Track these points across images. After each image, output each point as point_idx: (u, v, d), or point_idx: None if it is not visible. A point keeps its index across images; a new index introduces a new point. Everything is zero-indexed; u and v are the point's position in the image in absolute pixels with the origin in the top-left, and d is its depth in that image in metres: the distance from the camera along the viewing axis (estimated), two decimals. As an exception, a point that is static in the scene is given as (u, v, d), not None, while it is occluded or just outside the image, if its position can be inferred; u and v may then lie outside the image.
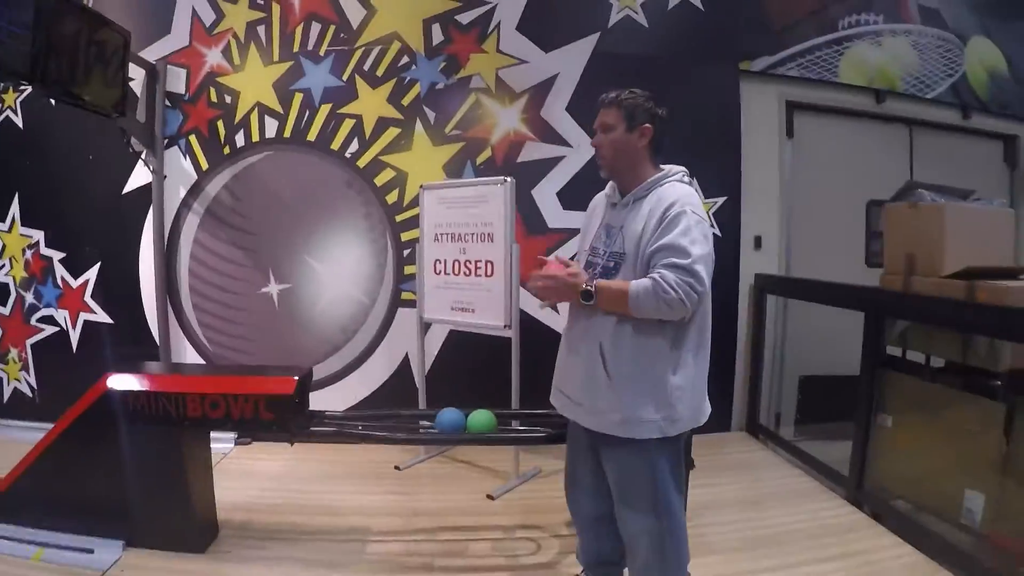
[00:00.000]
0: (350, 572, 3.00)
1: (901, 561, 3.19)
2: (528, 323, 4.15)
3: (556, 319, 4.59)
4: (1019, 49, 6.06)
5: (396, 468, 4.21)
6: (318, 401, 3.54)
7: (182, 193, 4.68)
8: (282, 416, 2.94)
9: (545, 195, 4.64)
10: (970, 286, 3.46)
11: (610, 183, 2.44)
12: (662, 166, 2.35)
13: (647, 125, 2.29)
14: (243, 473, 4.09)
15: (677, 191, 2.23)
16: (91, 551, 3.02)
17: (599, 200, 2.52)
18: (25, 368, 4.90)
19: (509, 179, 3.89)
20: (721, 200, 4.95)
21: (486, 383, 4.07)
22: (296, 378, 2.99)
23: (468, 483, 4.04)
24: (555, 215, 4.66)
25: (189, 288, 4.71)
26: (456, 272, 4.13)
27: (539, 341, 4.01)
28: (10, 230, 4.85)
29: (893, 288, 3.93)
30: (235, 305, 4.69)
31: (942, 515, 3.42)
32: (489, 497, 3.82)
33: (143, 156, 4.54)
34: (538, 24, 4.67)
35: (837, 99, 5.29)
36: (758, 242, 5.06)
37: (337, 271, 4.68)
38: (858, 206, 5.42)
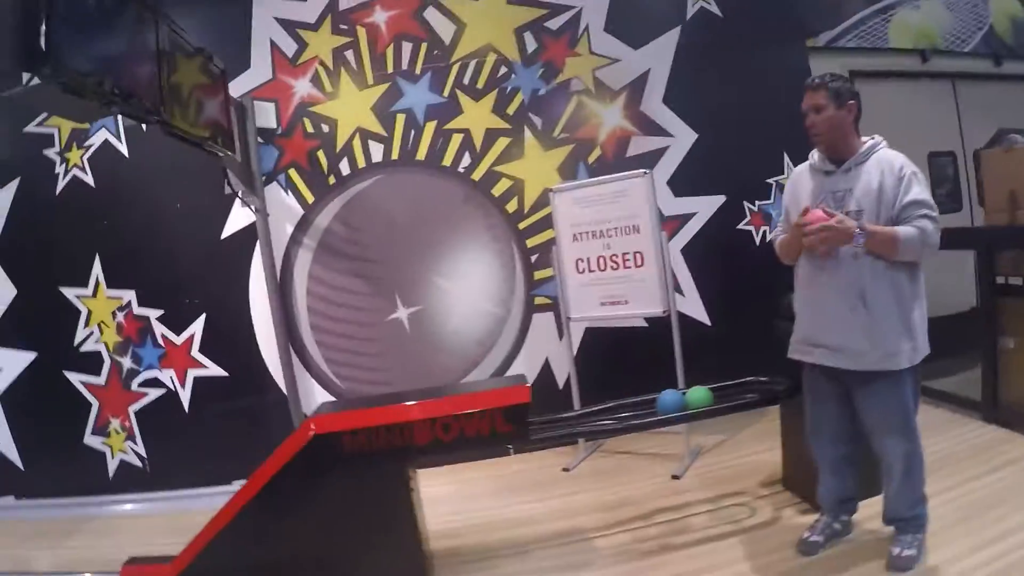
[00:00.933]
0: (595, 571, 3.38)
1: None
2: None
3: (685, 305, 5.33)
4: (1033, -4, 7.18)
5: (565, 470, 4.71)
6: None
7: (289, 230, 5.07)
8: (519, 427, 3.15)
9: (657, 185, 5.06)
10: None
11: (815, 155, 3.09)
12: (863, 137, 3.01)
13: (852, 101, 2.94)
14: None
15: (897, 156, 2.90)
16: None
17: (802, 172, 3.17)
18: (131, 438, 5.17)
19: (648, 171, 4.48)
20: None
21: (632, 373, 4.42)
22: (530, 385, 3.25)
23: (642, 471, 4.56)
24: (669, 203, 5.24)
25: (310, 325, 5.08)
26: (603, 268, 4.66)
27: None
28: (95, 294, 5.11)
29: (1000, 223, 4.83)
30: (362, 336, 5.09)
31: None
32: (675, 477, 4.36)
33: (240, 195, 4.79)
34: (623, 24, 5.27)
35: (890, 63, 6.13)
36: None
37: (466, 287, 5.13)
38: (920, 159, 6.35)
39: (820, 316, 3.02)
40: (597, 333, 5.16)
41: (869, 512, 3.42)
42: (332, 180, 5.13)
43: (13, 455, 5.25)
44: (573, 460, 4.87)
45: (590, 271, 4.75)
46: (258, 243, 5.01)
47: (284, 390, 5.06)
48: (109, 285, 5.17)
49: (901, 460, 2.97)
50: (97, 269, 5.17)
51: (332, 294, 5.13)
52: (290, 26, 5.16)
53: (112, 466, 5.22)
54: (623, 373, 4.67)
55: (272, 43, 5.15)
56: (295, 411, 5.03)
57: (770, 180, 5.62)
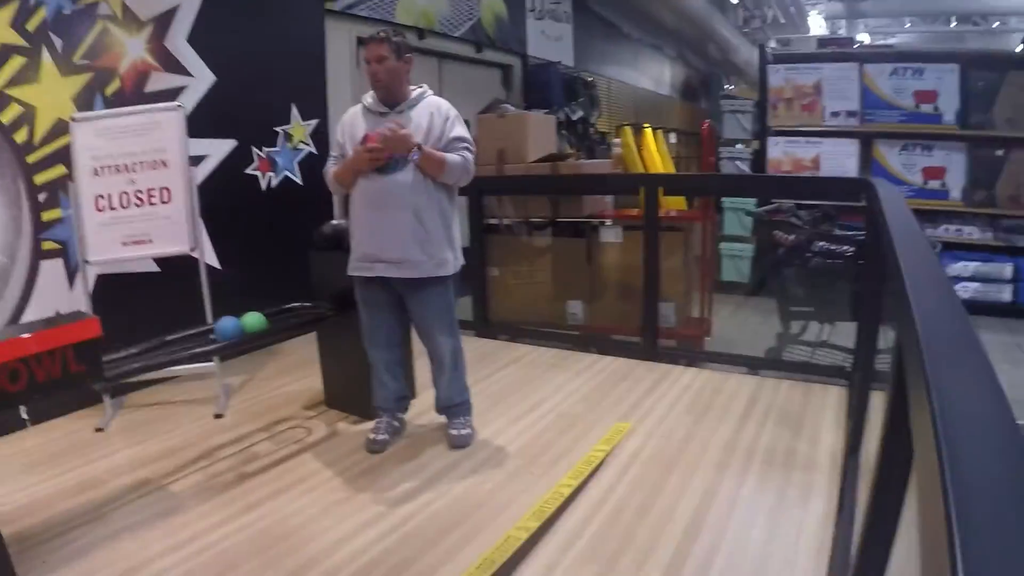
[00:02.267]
0: (187, 513, 3.53)
1: (543, 357, 5.81)
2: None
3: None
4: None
5: (98, 430, 4.68)
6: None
7: None
8: (94, 365, 3.15)
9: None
10: (554, 166, 6.45)
11: (369, 99, 3.90)
12: (412, 85, 3.93)
13: (409, 55, 3.84)
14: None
15: (443, 101, 3.91)
16: None
17: (356, 113, 3.97)
18: None
19: (180, 104, 4.92)
20: (314, 122, 6.59)
21: (153, 319, 4.32)
22: (96, 318, 3.25)
23: (182, 417, 4.85)
24: None
25: None
26: (125, 205, 4.89)
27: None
28: None
29: (489, 175, 6.45)
30: None
31: (555, 324, 6.37)
32: (218, 416, 4.80)
33: None
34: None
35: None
36: (346, 158, 6.92)
37: None
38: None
39: (381, 235, 3.80)
40: (110, 280, 5.24)
41: (416, 409, 4.56)
42: None
43: None
44: (102, 420, 4.82)
45: (112, 209, 4.92)
46: None
47: None
48: None
49: (450, 354, 4.07)
50: None
51: None
52: None
53: None
54: (144, 320, 4.48)
55: None
56: None
57: (278, 128, 6.43)
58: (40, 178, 5.09)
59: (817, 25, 20.43)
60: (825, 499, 3.53)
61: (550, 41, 10.47)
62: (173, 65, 5.67)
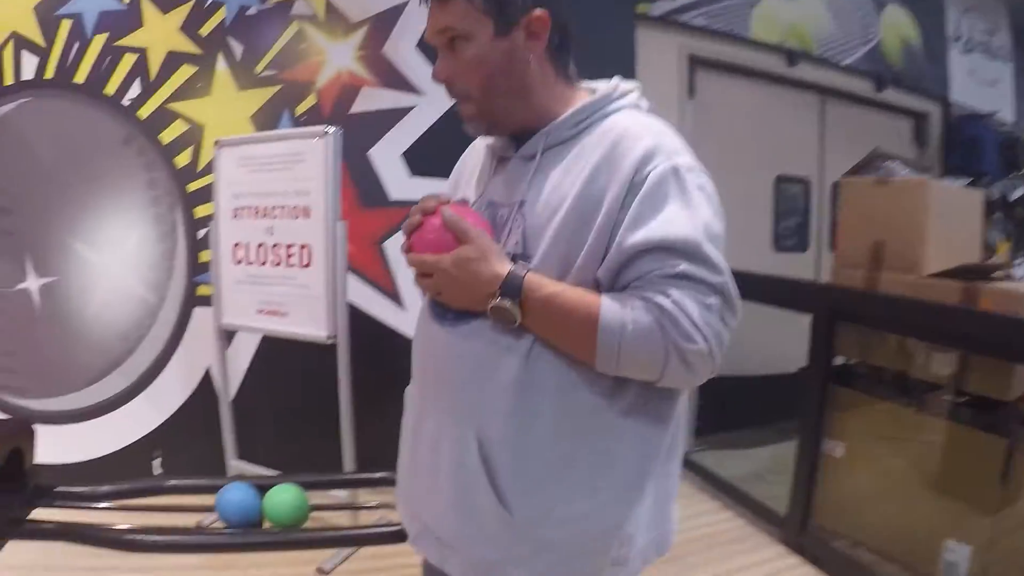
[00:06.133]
0: None
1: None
2: (366, 325, 3.78)
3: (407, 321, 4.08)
4: (930, 21, 6.33)
5: None
6: (97, 430, 3.74)
7: None
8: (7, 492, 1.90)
9: (387, 157, 4.09)
10: (969, 289, 3.13)
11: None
12: (584, 82, 1.47)
13: (538, 13, 1.31)
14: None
15: (646, 126, 1.33)
16: None
17: (477, 155, 1.56)
18: None
19: (332, 129, 3.32)
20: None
21: (312, 412, 3.61)
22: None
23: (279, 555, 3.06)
24: (400, 183, 4.11)
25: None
26: (262, 260, 3.53)
27: (382, 346, 3.62)
28: None
29: (852, 285, 3.60)
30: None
31: (915, 569, 3.16)
32: (320, 572, 3.15)
33: None
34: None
35: (746, 57, 5.14)
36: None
37: (114, 259, 3.94)
38: (765, 180, 5.37)
39: (415, 469, 1.50)
40: (279, 342, 3.76)
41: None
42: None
43: None
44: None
45: (248, 263, 3.60)
46: None
47: None
48: None
49: None
50: None
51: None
52: None
53: None
54: (301, 407, 3.83)
55: None
56: None
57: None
58: (202, 211, 4.02)
59: None
60: None
61: (980, 85, 6.95)
62: (394, 79, 4.17)
